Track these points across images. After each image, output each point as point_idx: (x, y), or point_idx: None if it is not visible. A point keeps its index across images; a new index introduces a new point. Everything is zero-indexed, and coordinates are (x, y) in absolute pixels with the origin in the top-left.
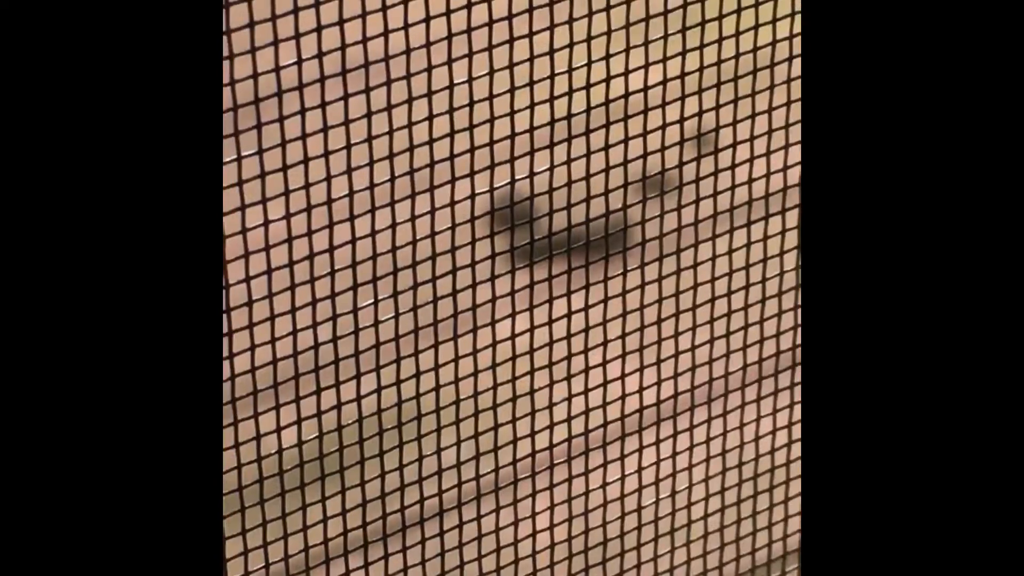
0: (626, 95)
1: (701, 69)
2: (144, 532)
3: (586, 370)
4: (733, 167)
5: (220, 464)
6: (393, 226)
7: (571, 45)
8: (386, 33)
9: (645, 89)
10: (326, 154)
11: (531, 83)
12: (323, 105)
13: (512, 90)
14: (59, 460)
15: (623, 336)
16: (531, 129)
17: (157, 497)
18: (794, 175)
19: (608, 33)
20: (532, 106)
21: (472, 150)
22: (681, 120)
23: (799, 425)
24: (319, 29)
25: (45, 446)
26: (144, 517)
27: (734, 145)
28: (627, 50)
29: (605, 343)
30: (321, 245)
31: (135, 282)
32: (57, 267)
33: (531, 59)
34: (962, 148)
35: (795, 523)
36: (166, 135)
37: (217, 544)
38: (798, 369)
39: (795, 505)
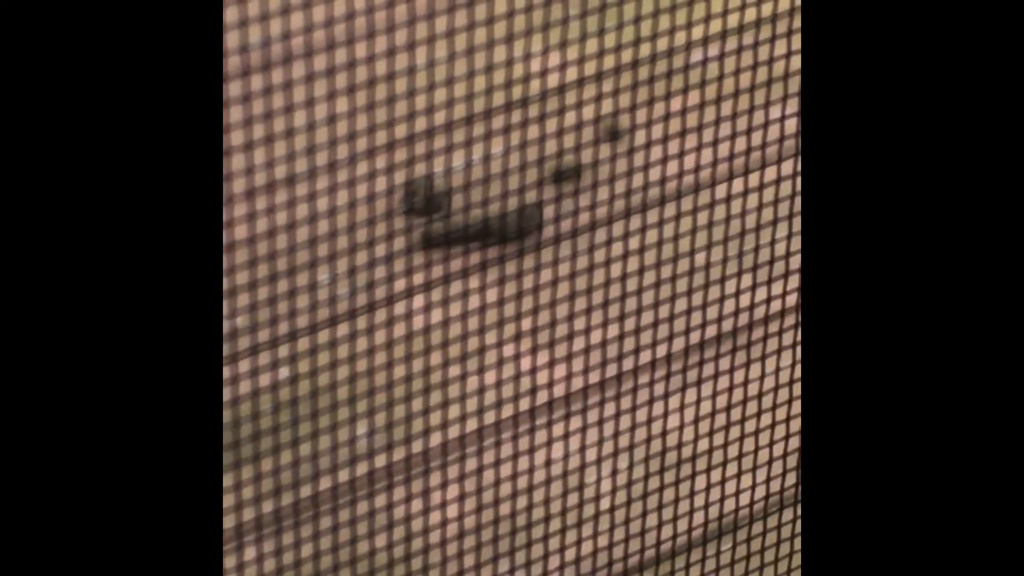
0: (543, 92)
1: (618, 68)
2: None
3: (500, 360)
4: (646, 164)
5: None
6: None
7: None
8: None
9: (564, 84)
10: (249, 145)
11: (451, 80)
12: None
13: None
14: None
15: (536, 328)
16: (452, 123)
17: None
18: (697, 172)
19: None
20: (453, 101)
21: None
22: (597, 118)
23: (722, 411)
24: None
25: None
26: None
27: (649, 144)
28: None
29: (519, 334)
30: (244, 231)
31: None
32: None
33: (453, 55)
34: (948, 130)
35: (715, 496)
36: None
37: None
38: (707, 363)
39: (716, 491)
